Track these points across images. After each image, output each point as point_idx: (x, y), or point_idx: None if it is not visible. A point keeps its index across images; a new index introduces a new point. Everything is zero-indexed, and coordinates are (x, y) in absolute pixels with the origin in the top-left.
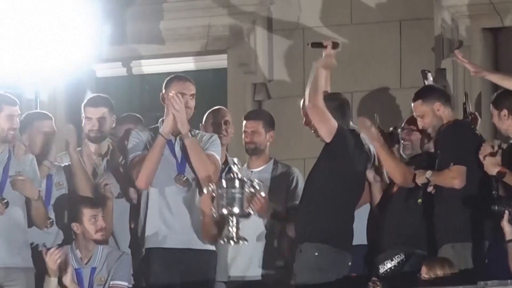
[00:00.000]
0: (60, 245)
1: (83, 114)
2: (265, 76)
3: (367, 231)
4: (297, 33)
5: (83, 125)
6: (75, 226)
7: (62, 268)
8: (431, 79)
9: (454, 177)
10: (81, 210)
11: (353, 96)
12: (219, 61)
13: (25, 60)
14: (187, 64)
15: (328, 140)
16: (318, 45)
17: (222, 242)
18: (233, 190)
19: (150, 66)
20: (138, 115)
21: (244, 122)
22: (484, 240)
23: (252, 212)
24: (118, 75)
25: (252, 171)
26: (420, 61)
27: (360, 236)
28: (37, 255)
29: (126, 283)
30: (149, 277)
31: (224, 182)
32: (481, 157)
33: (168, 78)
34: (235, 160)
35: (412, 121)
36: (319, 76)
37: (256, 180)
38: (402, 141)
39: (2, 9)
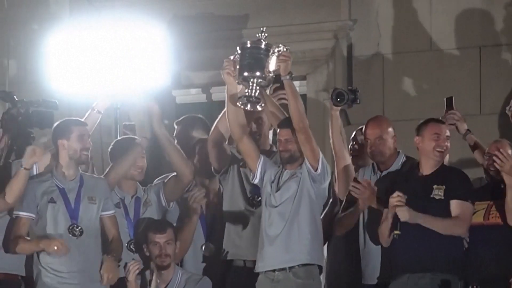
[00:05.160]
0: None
1: None
2: None
3: None
4: (377, 59)
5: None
6: (145, 249)
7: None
8: None
9: None
10: (148, 234)
11: None
12: (298, 87)
13: (106, 87)
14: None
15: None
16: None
17: (239, 104)
18: (255, 51)
19: None
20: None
21: (278, 130)
22: None
23: (272, 75)
24: (198, 101)
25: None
26: (500, 87)
27: None
28: None
29: None
30: None
31: (248, 43)
32: None
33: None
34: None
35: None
36: None
37: (281, 45)
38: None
39: (84, 37)
